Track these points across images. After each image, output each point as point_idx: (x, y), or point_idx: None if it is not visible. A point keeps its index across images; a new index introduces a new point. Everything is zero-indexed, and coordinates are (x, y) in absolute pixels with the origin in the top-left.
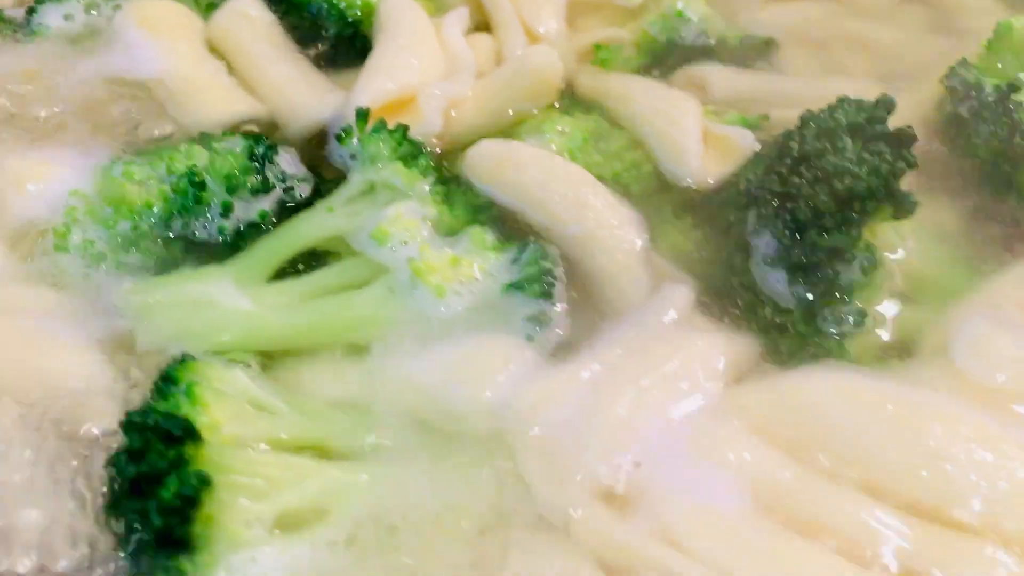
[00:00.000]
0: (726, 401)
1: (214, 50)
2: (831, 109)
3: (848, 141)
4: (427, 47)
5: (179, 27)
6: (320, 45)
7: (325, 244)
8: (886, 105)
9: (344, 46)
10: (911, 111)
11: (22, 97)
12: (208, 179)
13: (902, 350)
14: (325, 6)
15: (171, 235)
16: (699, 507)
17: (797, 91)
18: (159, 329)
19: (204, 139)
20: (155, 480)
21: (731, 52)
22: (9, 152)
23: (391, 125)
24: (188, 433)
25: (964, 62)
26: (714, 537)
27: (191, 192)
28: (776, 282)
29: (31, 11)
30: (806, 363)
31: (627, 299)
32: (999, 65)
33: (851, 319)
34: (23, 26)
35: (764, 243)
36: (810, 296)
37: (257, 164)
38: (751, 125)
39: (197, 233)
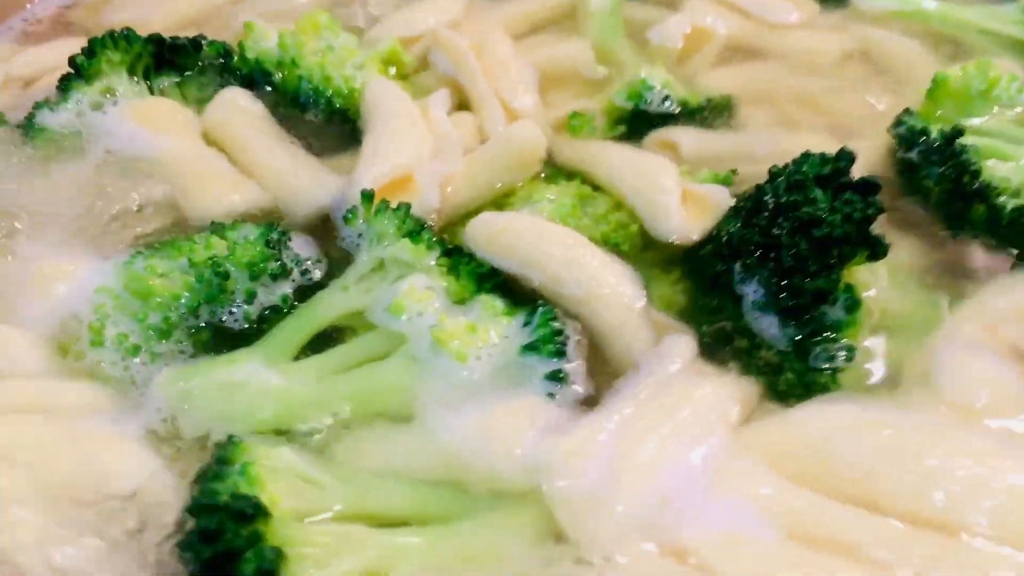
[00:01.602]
0: (739, 440)
1: (211, 142)
2: (797, 163)
3: (818, 192)
4: (417, 129)
5: (176, 121)
6: (309, 130)
7: (342, 320)
8: (847, 157)
9: (332, 131)
10: (866, 159)
11: (33, 199)
12: (231, 268)
13: (888, 380)
14: (312, 94)
15: (200, 323)
16: (729, 536)
17: (759, 147)
18: (200, 414)
19: (218, 229)
20: (230, 559)
21: (693, 114)
22: (33, 255)
23: (393, 204)
24: (258, 510)
25: (908, 111)
26: (748, 562)
27: (215, 282)
28: (769, 326)
29: (31, 116)
30: (804, 398)
31: (633, 352)
32: (938, 112)
33: (841, 355)
34: (24, 127)
35: (752, 290)
36: (800, 336)
37: (274, 250)
38: (723, 181)
39: (224, 320)
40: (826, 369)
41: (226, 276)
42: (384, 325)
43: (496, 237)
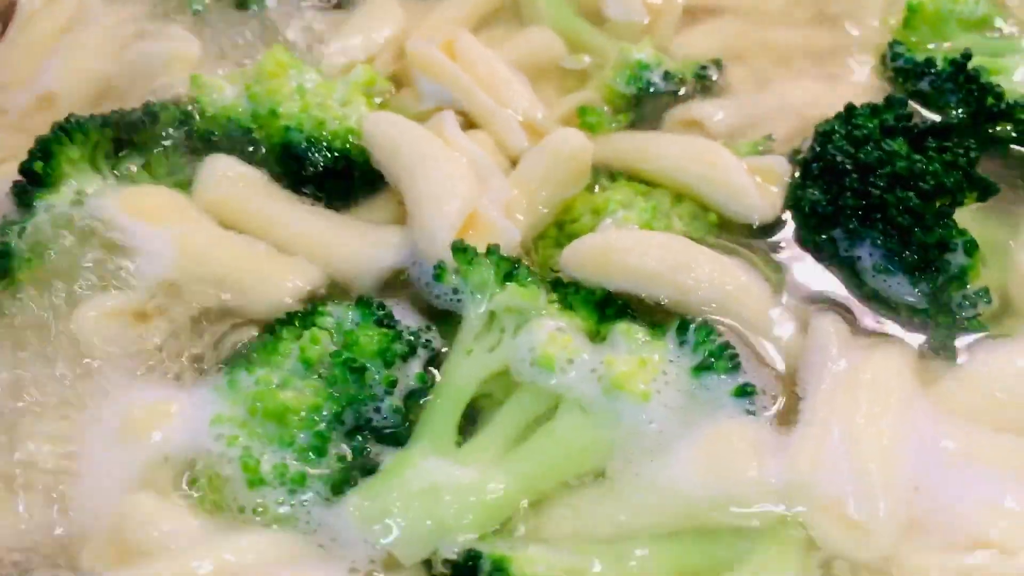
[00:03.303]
0: (939, 405)
1: (221, 224)
2: (846, 118)
3: (897, 143)
4: (457, 162)
5: (176, 208)
6: (311, 185)
7: (482, 387)
8: (901, 103)
9: (338, 180)
10: (866, 96)
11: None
12: (364, 360)
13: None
14: (307, 145)
15: (347, 429)
16: (988, 502)
17: (776, 104)
18: (414, 534)
19: (307, 320)
20: None
21: (690, 85)
22: (107, 413)
23: (480, 248)
24: None
25: (897, 43)
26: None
27: (353, 379)
28: (898, 285)
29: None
30: (956, 348)
31: (783, 344)
32: (913, 39)
33: (980, 297)
34: None
35: (867, 254)
36: (932, 289)
37: (392, 328)
38: (766, 149)
39: (373, 419)
40: (973, 315)
41: (363, 370)
42: (535, 382)
43: (603, 260)
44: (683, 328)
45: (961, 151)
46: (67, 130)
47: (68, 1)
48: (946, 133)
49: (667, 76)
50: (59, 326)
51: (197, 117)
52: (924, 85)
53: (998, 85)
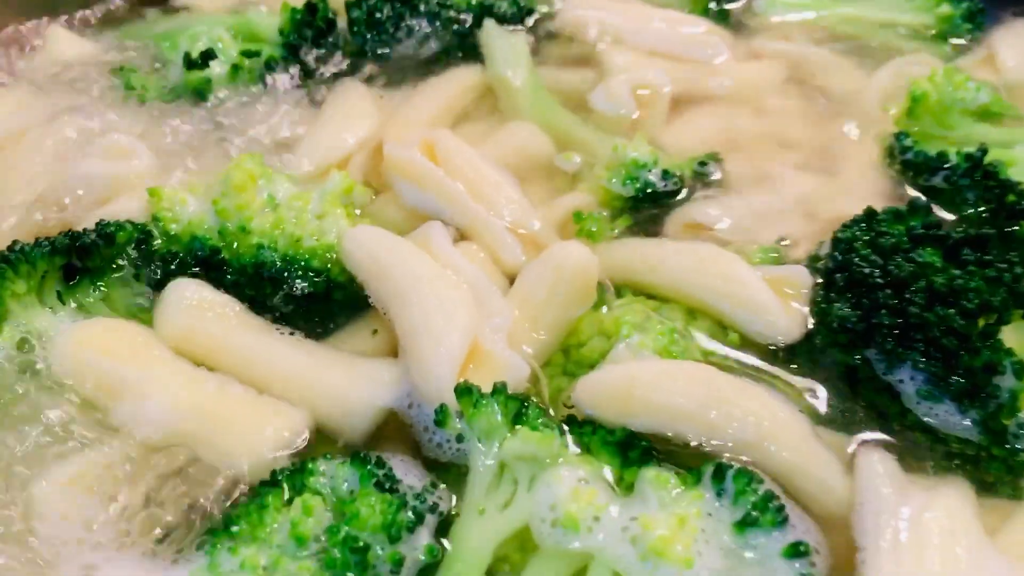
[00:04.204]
0: (1007, 553)
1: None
2: (865, 225)
3: (929, 254)
4: (455, 285)
5: (140, 346)
6: (286, 309)
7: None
8: (926, 210)
9: (316, 303)
10: (869, 193)
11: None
12: (363, 537)
13: None
14: (281, 266)
15: None
16: None
17: (782, 202)
18: None
19: (295, 481)
20: None
21: (688, 182)
22: None
23: (485, 388)
24: None
25: (904, 135)
26: None
27: (353, 562)
28: (946, 414)
29: None
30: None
31: (829, 489)
32: (915, 129)
33: None
34: None
35: (908, 377)
36: (982, 417)
37: (393, 493)
38: (781, 256)
39: None
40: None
41: (365, 550)
42: (559, 545)
43: (624, 396)
44: (719, 475)
45: (1004, 265)
46: (10, 260)
47: (5, 105)
48: (982, 243)
49: (665, 175)
50: (13, 495)
51: (157, 236)
52: (938, 180)
53: (1020, 182)
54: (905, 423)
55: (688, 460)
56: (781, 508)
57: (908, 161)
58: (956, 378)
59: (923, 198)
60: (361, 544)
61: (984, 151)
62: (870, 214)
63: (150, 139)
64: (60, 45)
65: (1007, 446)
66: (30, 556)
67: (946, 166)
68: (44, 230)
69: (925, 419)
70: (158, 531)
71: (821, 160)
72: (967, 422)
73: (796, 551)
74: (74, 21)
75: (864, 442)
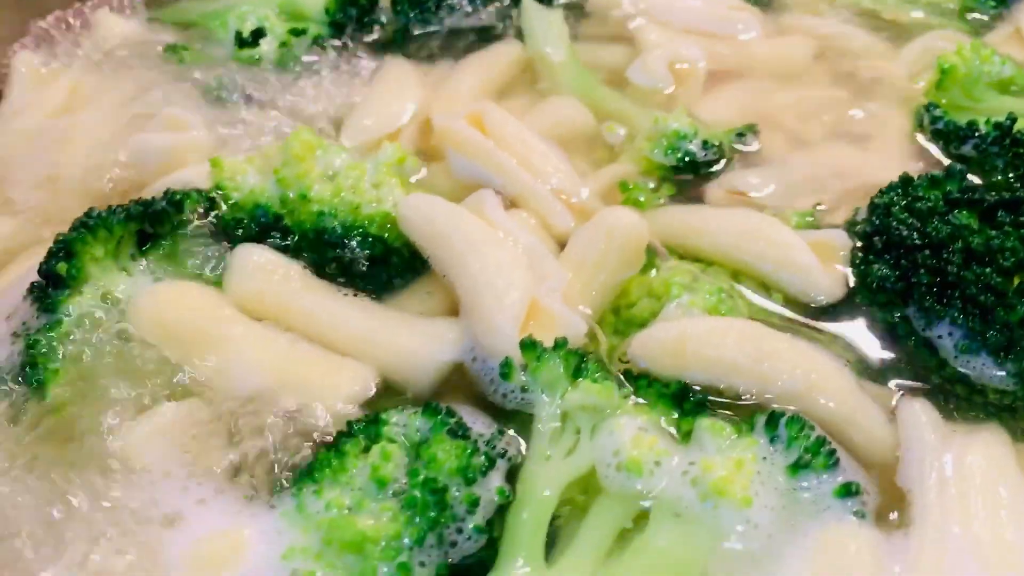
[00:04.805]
0: None
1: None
2: (902, 190)
3: (965, 216)
4: (511, 248)
5: (212, 307)
6: (347, 273)
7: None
8: (961, 175)
9: (375, 267)
10: (900, 160)
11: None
12: (443, 479)
13: None
14: (342, 231)
15: (428, 555)
16: None
17: (817, 170)
18: None
19: (371, 431)
20: None
21: (726, 152)
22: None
23: (547, 343)
24: None
25: (933, 106)
26: None
27: (433, 502)
28: (983, 366)
29: (31, 362)
30: None
31: (875, 437)
32: (943, 100)
33: None
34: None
35: (947, 333)
36: (1019, 369)
37: (466, 439)
38: (818, 220)
39: (456, 542)
40: None
41: (444, 491)
42: (623, 488)
43: (678, 350)
44: (773, 422)
45: None
46: (90, 226)
47: (61, 83)
48: (1016, 206)
49: (705, 145)
50: (108, 443)
51: (222, 204)
52: (967, 149)
53: None
54: (944, 375)
55: (738, 411)
56: (833, 452)
57: (939, 130)
58: (993, 332)
59: (958, 165)
60: (441, 485)
61: (1013, 120)
62: (906, 180)
63: (202, 114)
64: (109, 26)
65: None
66: (138, 499)
67: (976, 135)
68: (105, 197)
69: (963, 371)
70: (246, 479)
71: (852, 131)
72: (1003, 373)
73: (848, 491)
74: (117, 3)
75: (906, 393)
